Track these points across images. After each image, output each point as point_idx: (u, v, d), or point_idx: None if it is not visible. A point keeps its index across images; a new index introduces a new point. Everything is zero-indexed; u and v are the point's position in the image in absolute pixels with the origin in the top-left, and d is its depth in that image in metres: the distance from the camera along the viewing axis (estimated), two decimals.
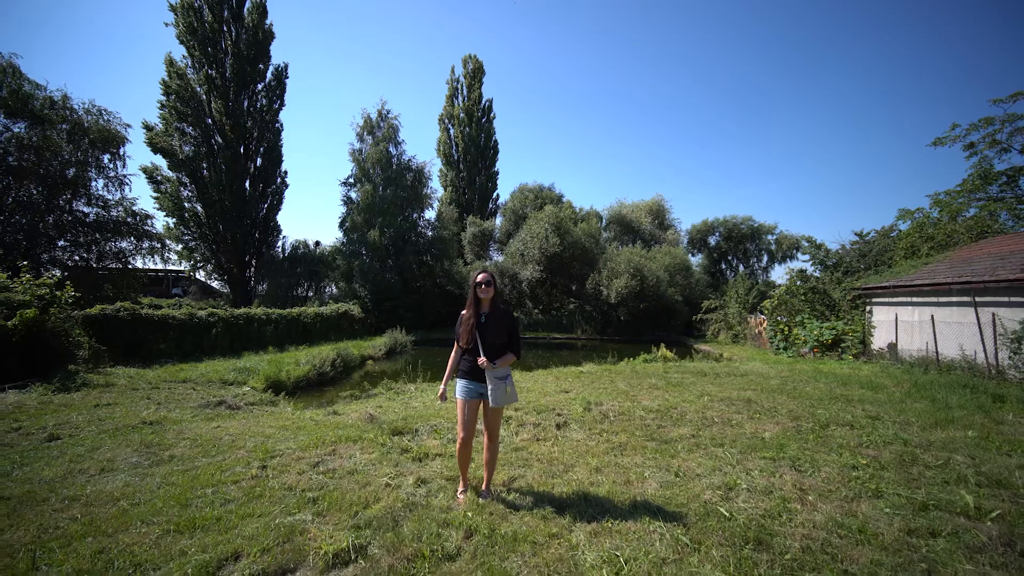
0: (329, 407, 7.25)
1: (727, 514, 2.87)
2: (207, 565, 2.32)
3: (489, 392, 3.11)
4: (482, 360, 3.10)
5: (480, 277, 3.31)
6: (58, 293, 9.85)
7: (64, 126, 17.69)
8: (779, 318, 18.05)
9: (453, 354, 3.45)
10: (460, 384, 3.31)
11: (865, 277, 17.01)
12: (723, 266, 39.75)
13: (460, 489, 3.33)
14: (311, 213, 74.70)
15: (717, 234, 39.49)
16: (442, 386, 3.50)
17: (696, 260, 39.00)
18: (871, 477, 3.52)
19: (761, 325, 20.63)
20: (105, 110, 18.62)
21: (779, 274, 39.87)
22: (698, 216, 54.19)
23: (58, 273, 10.46)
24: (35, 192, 17.46)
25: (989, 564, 2.30)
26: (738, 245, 38.85)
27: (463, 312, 3.38)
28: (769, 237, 38.21)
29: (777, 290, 19.14)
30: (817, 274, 24.68)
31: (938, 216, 17.66)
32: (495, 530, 2.70)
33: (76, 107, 18.06)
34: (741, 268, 39.55)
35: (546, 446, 4.46)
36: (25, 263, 12.26)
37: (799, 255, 35.93)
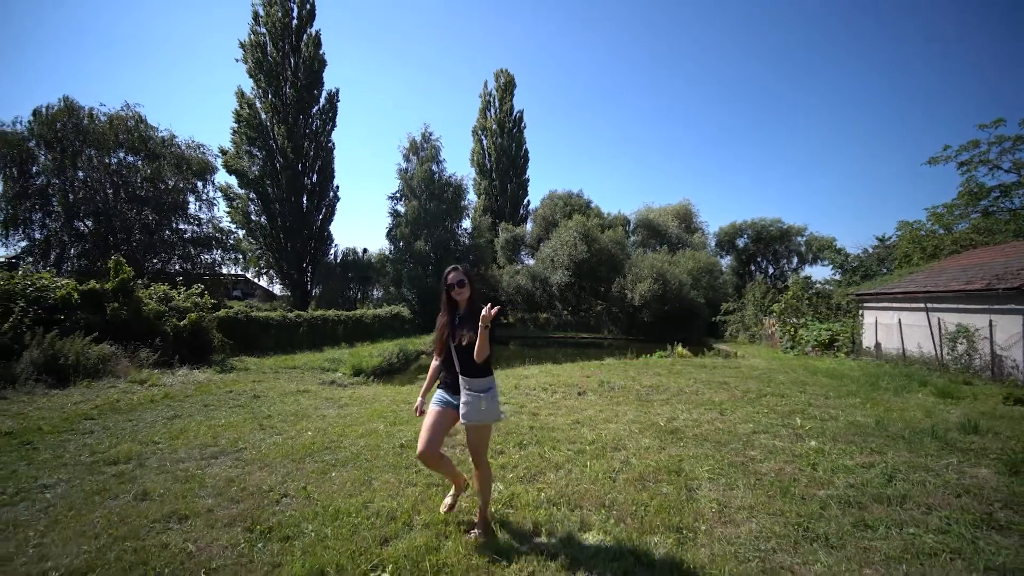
0: (416, 384, 10.08)
1: (663, 424, 5.47)
2: (414, 435, 5.07)
3: (461, 404, 2.73)
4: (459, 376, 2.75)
5: (451, 277, 2.81)
6: (202, 300, 13.10)
7: (171, 160, 21.50)
8: (787, 320, 20.02)
9: (433, 363, 3.05)
10: (435, 394, 3.00)
11: (871, 281, 18.87)
12: (752, 268, 40.25)
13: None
14: (348, 214, 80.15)
15: (745, 236, 40.19)
16: (419, 399, 3.04)
17: (725, 262, 39.56)
18: (762, 416, 5.99)
19: (773, 326, 22.60)
20: (201, 144, 22.42)
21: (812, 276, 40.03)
22: (727, 218, 54.99)
23: (195, 284, 13.69)
24: (150, 215, 21.34)
25: (778, 440, 4.80)
26: (767, 247, 39.45)
27: (440, 317, 2.90)
28: (799, 239, 38.59)
29: (784, 295, 21.11)
30: (837, 277, 26.28)
31: (930, 228, 19.36)
32: (543, 428, 5.37)
33: (180, 143, 21.86)
34: (771, 270, 40.10)
35: (570, 402, 7.10)
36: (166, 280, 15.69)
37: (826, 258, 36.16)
